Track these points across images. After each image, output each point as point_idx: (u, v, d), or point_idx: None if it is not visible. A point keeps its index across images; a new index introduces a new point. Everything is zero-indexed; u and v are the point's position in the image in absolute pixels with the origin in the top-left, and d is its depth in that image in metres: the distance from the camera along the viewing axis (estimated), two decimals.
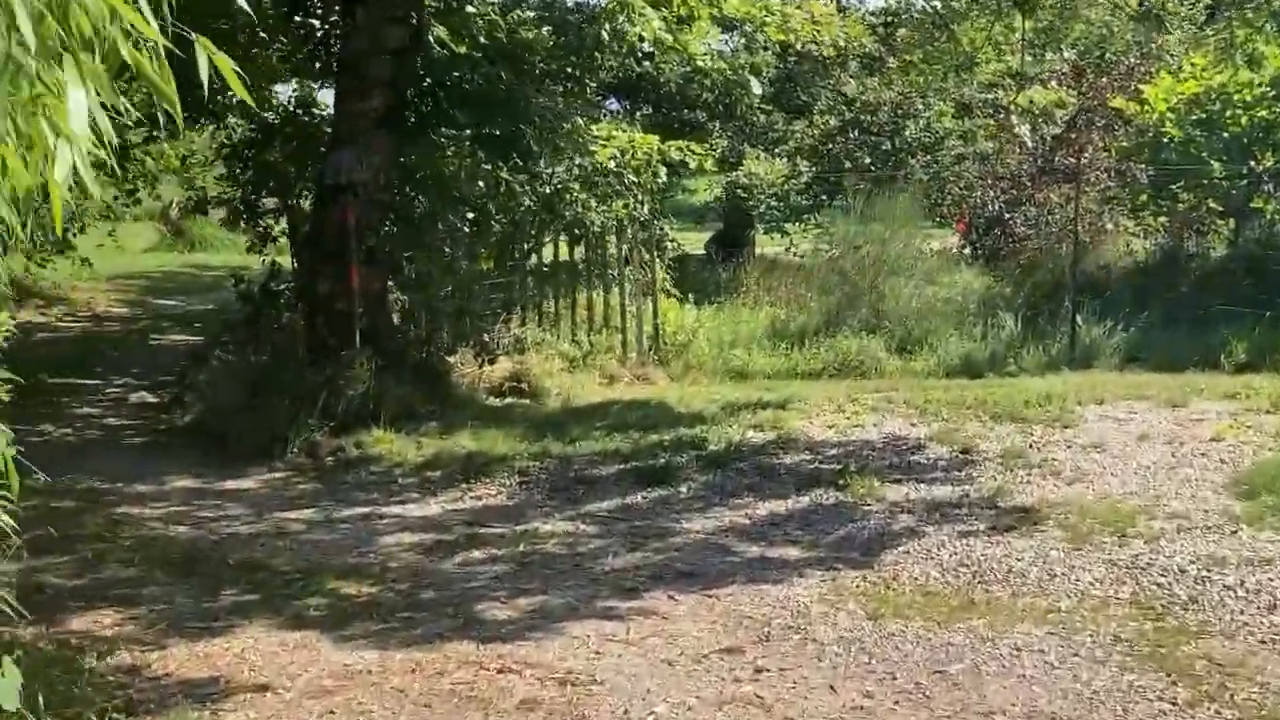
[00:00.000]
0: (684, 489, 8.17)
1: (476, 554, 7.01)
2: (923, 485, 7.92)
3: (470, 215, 11.47)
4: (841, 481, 7.98)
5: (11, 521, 3.22)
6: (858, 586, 6.24)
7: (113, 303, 18.54)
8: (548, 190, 13.09)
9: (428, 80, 10.65)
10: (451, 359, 10.92)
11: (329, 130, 10.85)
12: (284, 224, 13.30)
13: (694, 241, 20.51)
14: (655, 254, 13.32)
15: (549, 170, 13.22)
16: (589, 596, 6.23)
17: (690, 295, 14.32)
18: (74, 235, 18.75)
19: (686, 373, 12.52)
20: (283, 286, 12.13)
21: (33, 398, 11.26)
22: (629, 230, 13.20)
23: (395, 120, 10.23)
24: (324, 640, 5.68)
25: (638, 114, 22.06)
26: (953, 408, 9.62)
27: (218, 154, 15.59)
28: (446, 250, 10.65)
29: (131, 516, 7.93)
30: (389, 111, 10.16)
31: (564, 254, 13.48)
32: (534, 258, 13.30)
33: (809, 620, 5.79)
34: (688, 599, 6.12)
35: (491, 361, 10.80)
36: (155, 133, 14.49)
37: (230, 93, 12.50)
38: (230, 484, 8.78)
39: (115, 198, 19.03)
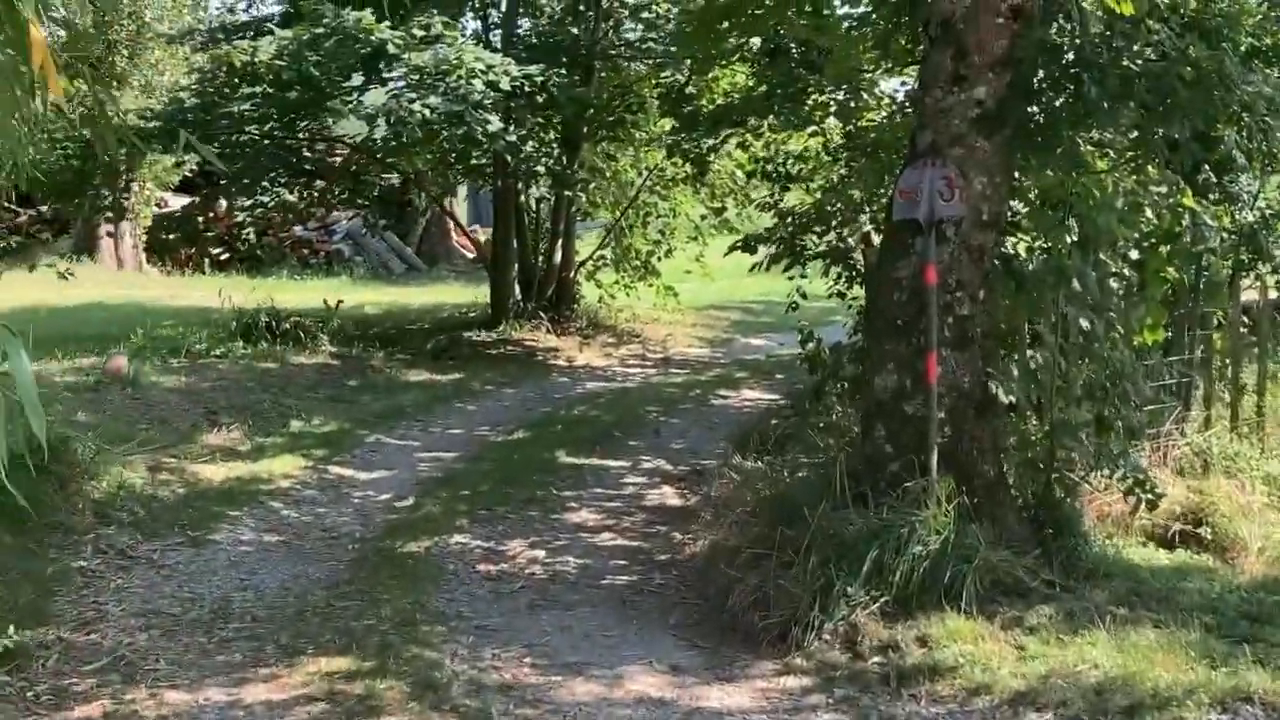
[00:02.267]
0: None
1: None
2: None
3: (1128, 262, 7.67)
4: None
5: None
6: None
7: (692, 341, 16.42)
8: (1250, 219, 8.99)
9: (1068, 56, 7.01)
10: (1081, 490, 7.23)
11: (908, 136, 7.55)
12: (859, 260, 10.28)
13: None
14: None
15: (1253, 189, 9.12)
16: None
17: None
18: (658, 259, 16.92)
19: None
20: (850, 360, 9.10)
21: (528, 486, 9.09)
22: None
23: (1010, 120, 6.73)
24: None
25: None
26: None
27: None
28: (1086, 323, 6.95)
29: None
30: (1001, 106, 6.68)
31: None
32: (1219, 322, 9.23)
33: None
34: None
35: (1153, 505, 6.97)
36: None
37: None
38: (712, 694, 5.78)
39: (703, 217, 16.94)
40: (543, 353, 14.88)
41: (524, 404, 12.35)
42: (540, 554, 7.74)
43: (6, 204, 26.31)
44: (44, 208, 26.19)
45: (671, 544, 7.93)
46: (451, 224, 26.71)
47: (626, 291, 17.37)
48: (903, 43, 8.32)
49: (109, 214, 24.47)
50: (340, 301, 16.23)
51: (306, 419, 11.09)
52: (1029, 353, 7.37)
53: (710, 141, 12.05)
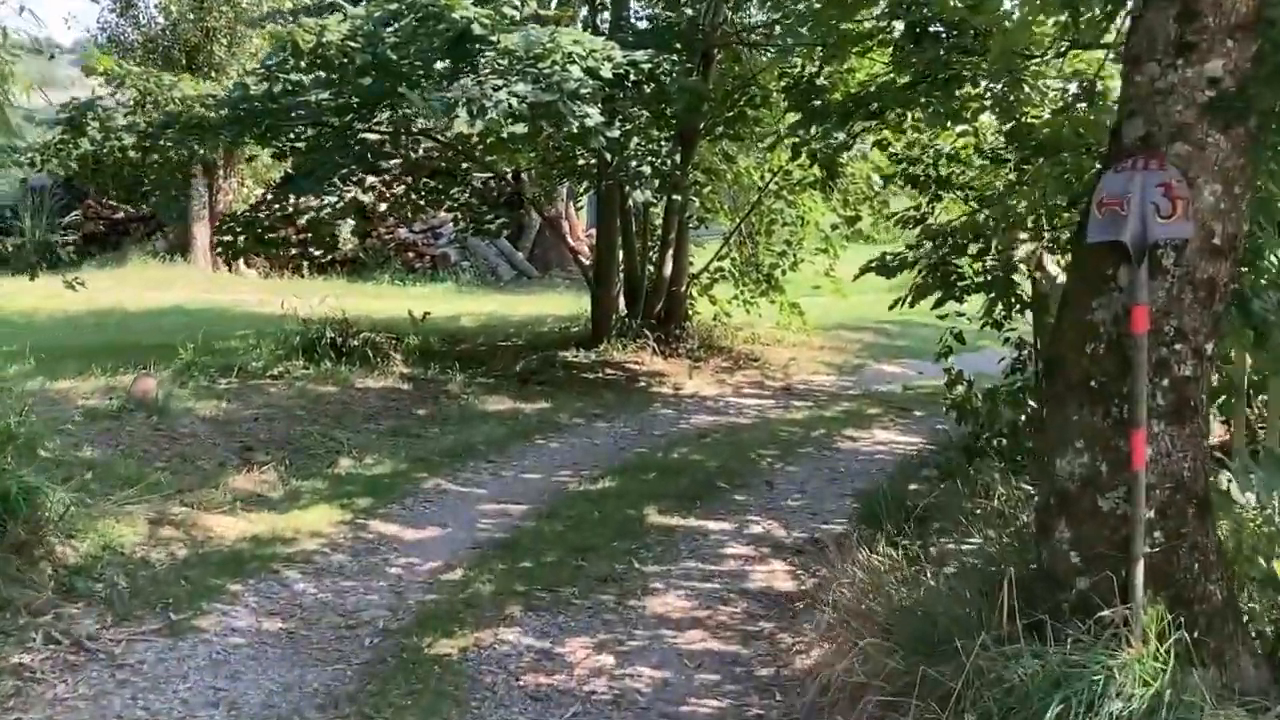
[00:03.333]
0: None
1: None
2: None
3: None
4: None
5: None
6: None
7: (818, 367, 14.63)
8: None
9: None
10: None
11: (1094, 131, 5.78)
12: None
13: None
14: None
15: None
16: None
17: None
18: (783, 273, 15.22)
19: None
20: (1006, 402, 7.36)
21: (605, 556, 7.43)
22: None
23: (1257, 106, 4.89)
24: None
25: None
26: None
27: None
28: None
29: None
30: (1244, 86, 4.85)
31: None
32: None
33: None
34: None
35: None
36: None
37: None
38: None
39: (834, 226, 15.18)
40: (646, 378, 13.25)
41: (617, 442, 10.73)
42: (607, 661, 6.08)
43: (100, 201, 25.58)
44: (144, 206, 25.41)
45: (777, 651, 6.21)
46: (567, 227, 25.38)
47: (746, 308, 15.68)
48: (1097, 10, 6.48)
49: (195, 210, 23.59)
50: (426, 314, 14.82)
51: (358, 457, 9.61)
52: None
53: (839, 137, 10.26)
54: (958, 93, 8.94)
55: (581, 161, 15.45)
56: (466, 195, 14.47)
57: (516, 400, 11.85)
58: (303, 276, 23.76)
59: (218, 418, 9.95)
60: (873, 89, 10.58)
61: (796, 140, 12.39)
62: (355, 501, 8.52)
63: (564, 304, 18.56)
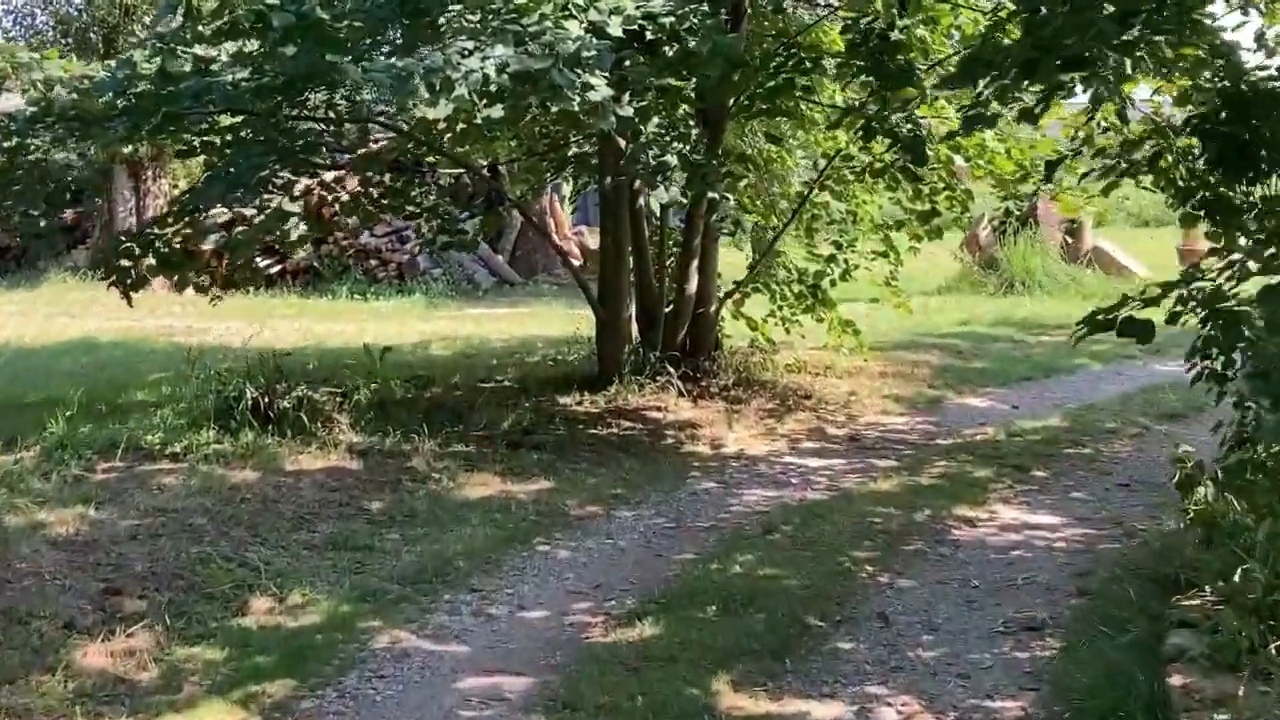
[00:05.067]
0: None
1: None
2: None
3: None
4: None
5: None
6: None
7: (885, 403, 11.70)
8: None
9: None
10: None
11: None
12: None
13: None
14: None
15: None
16: None
17: None
18: (832, 282, 12.39)
19: None
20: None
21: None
22: None
23: None
24: None
25: None
26: None
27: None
28: None
29: None
30: None
31: None
32: None
33: None
34: None
35: None
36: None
37: None
38: None
39: (898, 223, 12.37)
40: (674, 431, 10.34)
41: (650, 543, 7.83)
42: None
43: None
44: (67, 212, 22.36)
45: None
46: (551, 225, 22.51)
47: (786, 327, 12.79)
48: None
49: (120, 217, 20.64)
50: (387, 349, 11.91)
51: (280, 594, 6.70)
52: None
53: (1021, 100, 7.18)
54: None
55: (577, 150, 12.57)
56: (432, 197, 11.47)
57: (506, 478, 8.91)
58: (248, 293, 20.76)
59: (78, 538, 7.03)
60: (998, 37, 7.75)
61: (868, 117, 9.53)
62: (266, 689, 5.59)
63: (554, 320, 15.63)
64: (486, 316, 17.42)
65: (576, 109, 8.36)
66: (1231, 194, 7.82)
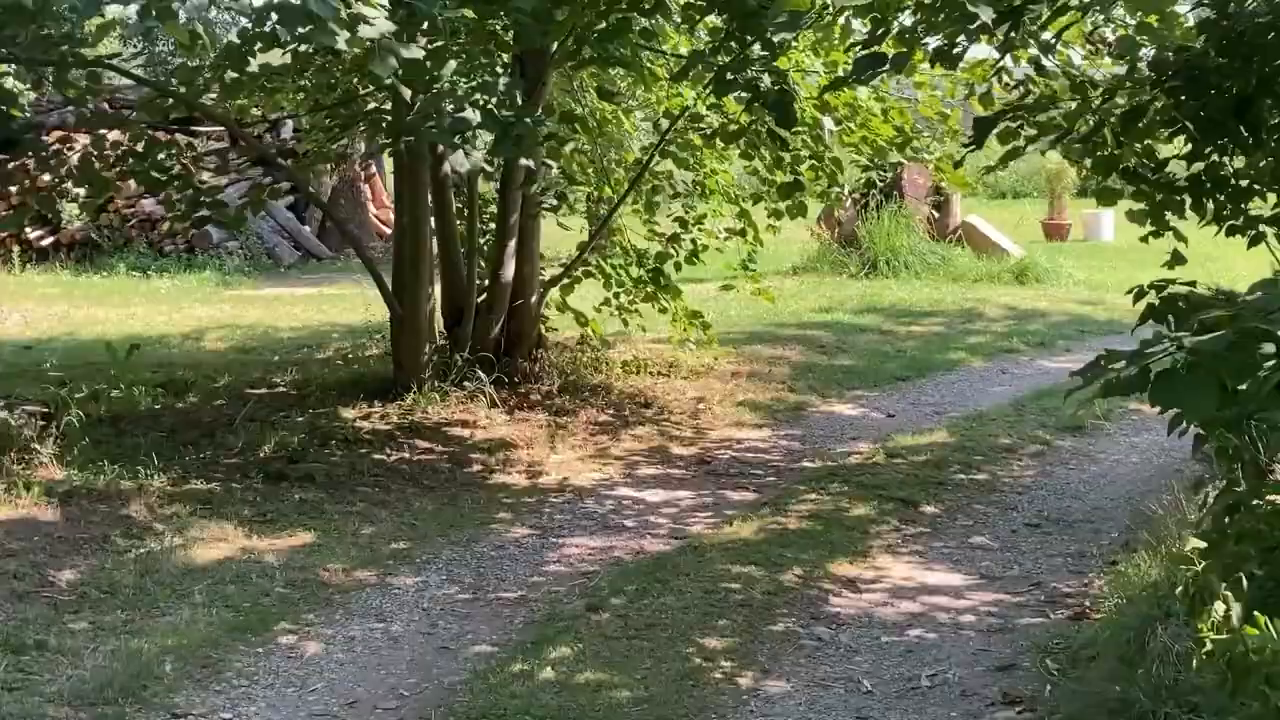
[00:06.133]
0: None
1: None
2: None
3: None
4: None
5: None
6: None
7: (740, 412, 9.93)
8: None
9: None
10: None
11: None
12: None
13: None
14: None
15: None
16: None
17: None
18: (677, 266, 10.65)
19: None
20: None
21: None
22: None
23: None
24: None
25: None
26: None
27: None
28: None
29: None
30: None
31: None
32: None
33: None
34: None
35: None
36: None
37: None
38: None
39: (755, 197, 10.63)
40: (481, 454, 8.43)
41: (433, 626, 5.94)
42: None
43: None
44: None
45: None
46: (368, 192, 20.43)
47: (624, 318, 10.99)
48: None
49: None
50: (135, 347, 9.79)
51: None
52: None
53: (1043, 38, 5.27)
54: None
55: (374, 106, 10.52)
56: (184, 161, 9.29)
57: (253, 530, 6.89)
58: (12, 268, 18.22)
59: None
60: None
61: (721, 67, 7.70)
62: None
63: (359, 303, 13.50)
64: (282, 298, 15.24)
65: (343, 47, 6.41)
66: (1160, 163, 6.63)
